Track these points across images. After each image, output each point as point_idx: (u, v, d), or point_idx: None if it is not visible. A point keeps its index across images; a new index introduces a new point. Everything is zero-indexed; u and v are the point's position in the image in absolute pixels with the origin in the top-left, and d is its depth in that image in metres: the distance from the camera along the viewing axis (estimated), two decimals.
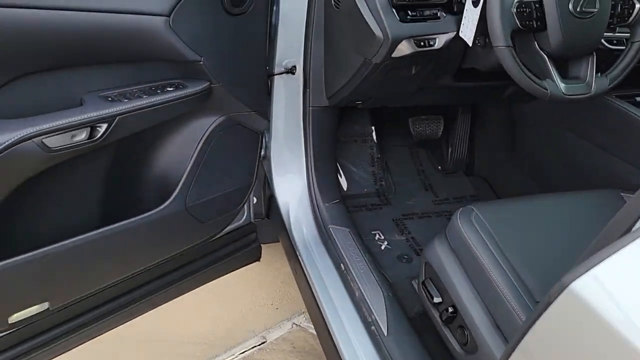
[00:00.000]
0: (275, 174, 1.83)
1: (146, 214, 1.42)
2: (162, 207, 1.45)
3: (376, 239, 1.85)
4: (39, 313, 1.33)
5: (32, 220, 1.30)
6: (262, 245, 2.04)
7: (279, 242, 2.09)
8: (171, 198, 1.47)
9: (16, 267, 1.24)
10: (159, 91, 1.34)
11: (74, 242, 1.31)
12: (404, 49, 1.42)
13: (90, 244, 1.34)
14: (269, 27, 1.55)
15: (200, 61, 1.34)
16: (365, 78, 1.54)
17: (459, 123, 2.19)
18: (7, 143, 1.09)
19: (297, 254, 1.76)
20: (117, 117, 1.24)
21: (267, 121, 1.61)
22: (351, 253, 1.65)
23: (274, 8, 1.60)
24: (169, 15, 1.25)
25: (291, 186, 1.87)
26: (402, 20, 1.39)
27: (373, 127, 2.14)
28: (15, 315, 1.29)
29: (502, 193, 2.09)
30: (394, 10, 1.39)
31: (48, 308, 1.35)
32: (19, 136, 1.10)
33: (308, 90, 1.75)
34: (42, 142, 1.14)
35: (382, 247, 1.81)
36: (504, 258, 1.15)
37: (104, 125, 1.23)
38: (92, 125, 1.21)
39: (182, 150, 1.50)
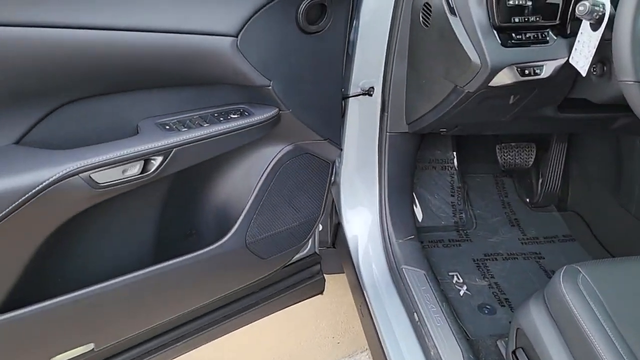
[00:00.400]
0: (345, 202, 1.67)
1: (201, 251, 1.29)
2: (219, 243, 1.32)
3: (454, 281, 1.65)
4: (82, 354, 1.23)
5: (78, 257, 1.20)
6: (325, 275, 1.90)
7: (344, 273, 1.94)
8: (230, 234, 1.33)
9: (62, 307, 1.13)
10: (221, 119, 1.20)
11: (124, 280, 1.20)
12: (505, 77, 1.21)
13: (141, 282, 1.22)
14: (347, 45, 1.37)
15: (269, 86, 1.19)
16: (454, 107, 1.34)
17: (552, 151, 1.94)
18: (50, 179, 0.98)
19: (364, 293, 1.59)
20: (174, 149, 1.11)
21: (339, 150, 1.44)
22: (426, 300, 1.46)
23: (353, 23, 1.43)
24: (236, 36, 1.10)
25: (361, 218, 1.70)
26: (504, 44, 1.18)
27: (455, 153, 1.92)
28: (58, 357, 1.19)
29: (602, 234, 1.83)
30: (495, 32, 1.18)
31: (93, 349, 1.24)
32: (64, 171, 0.99)
33: (386, 114, 1.57)
34: (89, 177, 1.02)
35: (461, 293, 1.61)
36: (616, 333, 0.94)
37: (159, 158, 1.10)
38: (146, 158, 1.08)
39: (244, 181, 1.35)
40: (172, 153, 1.12)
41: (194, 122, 1.19)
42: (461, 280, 1.66)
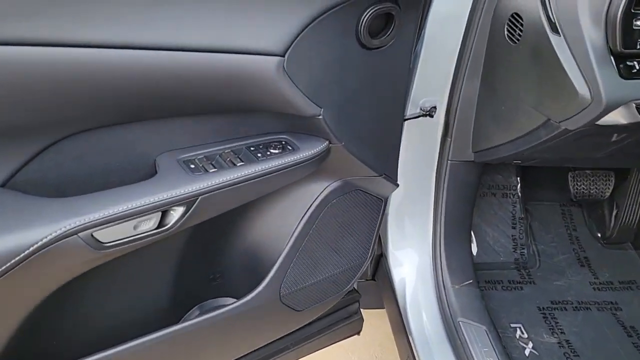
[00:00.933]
0: (391, 236, 1.44)
1: (228, 308, 1.08)
2: (249, 297, 1.10)
3: (517, 336, 1.41)
4: None
5: (83, 320, 0.98)
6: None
7: (383, 308, 1.71)
8: (262, 286, 1.11)
9: None
10: (259, 154, 0.97)
11: (139, 344, 0.98)
12: (619, 116, 0.96)
13: (159, 344, 1.01)
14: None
15: (319, 115, 0.94)
16: (541, 142, 1.09)
17: (632, 181, 1.67)
18: (40, 242, 0.76)
19: (412, 345, 1.37)
20: (200, 197, 0.88)
21: (395, 186, 1.20)
22: None
23: (420, 33, 1.18)
24: (283, 55, 0.86)
25: (410, 254, 1.47)
26: (624, 76, 0.92)
27: (519, 178, 1.67)
28: None
29: None
30: (613, 60, 0.92)
31: None
32: (59, 231, 0.77)
33: (449, 139, 1.32)
34: (91, 236, 0.80)
35: (527, 352, 1.37)
36: None
37: (180, 209, 0.87)
38: (164, 210, 0.86)
39: (280, 223, 1.12)
40: (197, 202, 0.89)
41: (225, 159, 0.95)
42: (525, 336, 1.42)
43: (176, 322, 1.16)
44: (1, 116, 0.76)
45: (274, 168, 0.95)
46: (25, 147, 0.83)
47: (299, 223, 1.12)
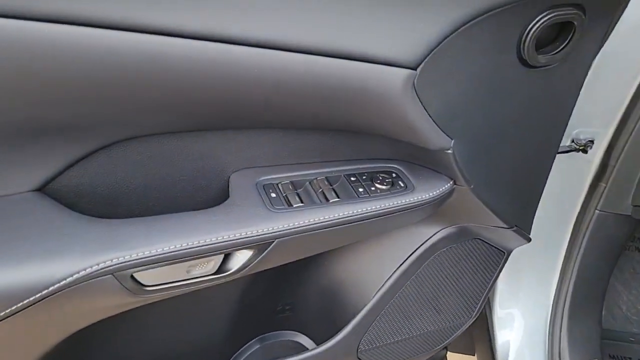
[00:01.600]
0: (500, 290, 1.16)
1: (299, 357, 0.87)
2: (321, 349, 0.89)
3: None
4: None
5: (125, 351, 0.82)
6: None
7: (473, 355, 1.46)
8: (339, 336, 0.90)
9: None
10: (361, 189, 0.74)
11: None
12: None
13: None
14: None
15: (449, 149, 0.69)
16: None
17: None
18: (66, 280, 0.57)
19: None
20: (276, 241, 0.66)
21: (527, 240, 0.93)
22: None
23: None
24: (414, 69, 0.61)
25: (521, 316, 1.19)
26: None
27: None
28: None
29: None
30: None
31: None
32: (90, 269, 0.58)
33: (603, 185, 1.03)
34: (131, 277, 0.60)
35: None
36: None
37: (249, 253, 0.66)
38: (228, 252, 0.65)
39: (373, 268, 0.90)
40: (271, 245, 0.67)
41: (317, 189, 0.73)
42: None
43: (232, 354, 0.98)
44: (52, 109, 0.57)
45: (377, 211, 0.72)
46: (74, 147, 0.64)
47: (395, 271, 0.88)
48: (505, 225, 0.87)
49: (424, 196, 0.75)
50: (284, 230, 0.67)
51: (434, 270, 0.92)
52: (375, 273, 0.90)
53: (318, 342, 1.02)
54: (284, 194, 0.71)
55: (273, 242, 0.67)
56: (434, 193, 0.76)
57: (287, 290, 0.98)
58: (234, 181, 0.72)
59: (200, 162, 0.72)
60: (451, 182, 0.77)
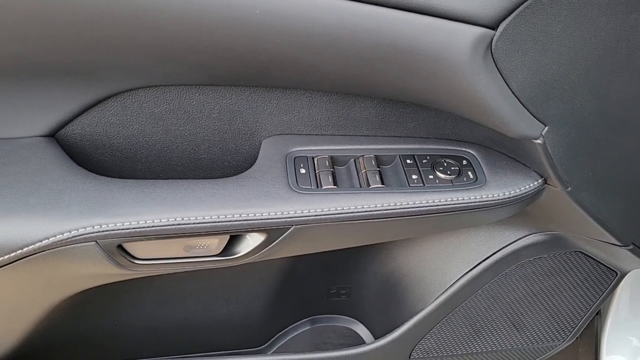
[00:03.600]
0: (613, 322, 0.95)
1: (342, 352, 0.76)
2: (370, 347, 0.77)
3: None
4: None
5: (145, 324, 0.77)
6: None
7: None
8: (390, 337, 0.77)
9: None
10: (414, 175, 0.59)
11: None
12: None
13: None
14: None
15: (538, 138, 0.52)
16: None
17: None
18: (42, 242, 0.51)
19: None
20: (293, 227, 0.55)
21: None
22: None
23: None
24: (494, 28, 0.45)
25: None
26: None
27: None
28: None
29: None
30: None
31: None
32: (69, 234, 0.51)
33: None
34: (117, 247, 0.53)
35: None
36: None
37: (260, 237, 0.55)
38: (235, 234, 0.55)
39: (439, 266, 0.75)
40: (289, 231, 0.56)
41: (360, 170, 0.59)
42: None
43: (276, 332, 0.90)
44: (54, 51, 0.51)
45: (429, 207, 0.57)
46: (82, 92, 0.57)
47: (464, 274, 0.73)
48: (617, 243, 0.66)
49: (497, 194, 0.58)
50: (303, 216, 0.55)
51: (515, 281, 0.74)
52: (440, 273, 0.75)
53: (376, 335, 0.91)
54: (317, 171, 0.58)
55: (290, 227, 0.55)
56: (513, 192, 0.58)
57: (343, 272, 0.86)
58: (264, 148, 0.61)
59: (227, 122, 0.61)
60: (540, 181, 0.59)
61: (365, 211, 0.55)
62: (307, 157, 0.60)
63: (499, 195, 0.58)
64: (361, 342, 0.92)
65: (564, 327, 0.81)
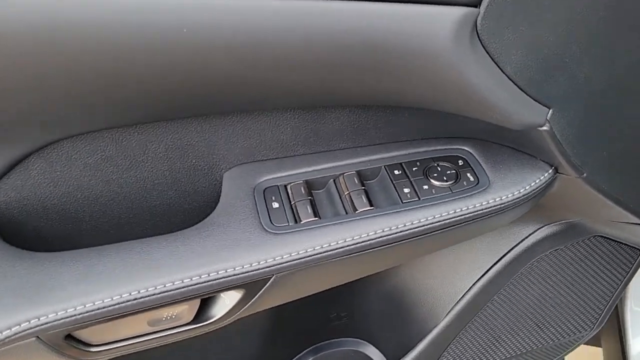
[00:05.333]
0: (636, 287, 0.88)
1: None
2: None
3: None
4: None
5: None
6: None
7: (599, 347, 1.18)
8: (410, 356, 0.68)
9: None
10: (406, 189, 0.50)
11: None
12: None
13: None
14: None
15: (544, 125, 0.43)
16: None
17: None
18: None
19: None
20: (275, 276, 0.45)
21: None
22: None
23: None
24: (475, 5, 0.35)
25: None
26: None
27: None
28: None
29: None
30: None
31: None
32: (8, 332, 0.41)
33: None
34: (66, 337, 0.43)
35: None
36: None
37: (237, 295, 0.46)
38: (206, 297, 0.45)
39: (449, 276, 0.66)
40: (270, 282, 0.46)
41: (343, 190, 0.50)
42: None
43: None
44: None
45: (430, 225, 0.48)
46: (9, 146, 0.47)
47: (478, 280, 0.64)
48: (638, 221, 0.58)
49: (504, 196, 0.49)
50: (284, 262, 0.45)
51: (533, 279, 0.66)
52: (450, 283, 0.66)
53: (387, 354, 0.82)
54: (292, 202, 0.49)
55: (270, 277, 0.46)
56: (522, 190, 0.50)
57: (341, 296, 0.77)
58: (227, 183, 0.52)
59: (178, 160, 0.51)
60: (551, 171, 0.51)
61: (356, 243, 0.46)
62: (278, 186, 0.51)
63: (507, 197, 0.49)
64: None
65: (589, 317, 0.74)
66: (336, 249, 0.46)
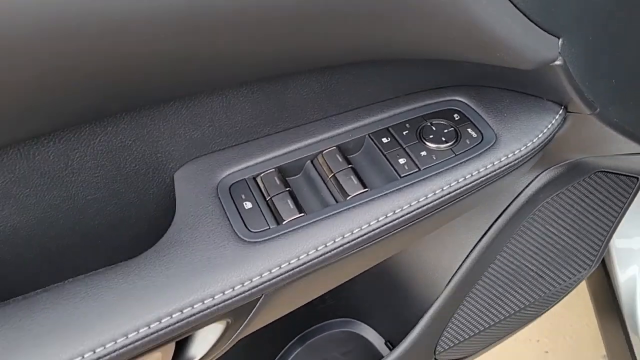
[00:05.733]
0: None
1: None
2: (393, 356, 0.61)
3: None
4: None
5: None
6: None
7: None
8: (407, 341, 0.62)
9: None
10: (402, 160, 0.40)
11: None
12: None
13: None
14: None
15: (557, 59, 0.35)
16: None
17: None
18: None
19: None
20: (264, 296, 0.36)
21: None
22: None
23: None
24: None
25: None
26: None
27: None
28: None
29: None
30: None
31: None
32: None
33: None
34: None
35: None
36: None
37: (219, 327, 0.36)
38: (180, 339, 0.36)
39: (447, 246, 0.58)
40: (258, 304, 0.37)
41: (326, 172, 0.41)
42: None
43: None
44: None
45: (443, 197, 0.39)
46: None
47: (474, 247, 0.57)
48: None
49: (516, 149, 0.41)
50: (274, 277, 0.36)
51: (535, 230, 0.60)
52: (448, 251, 0.59)
53: (377, 328, 0.75)
54: (268, 198, 0.39)
55: (259, 298, 0.37)
56: (535, 140, 0.42)
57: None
58: (181, 186, 0.41)
59: (113, 167, 0.40)
60: (561, 111, 0.43)
61: (355, 238, 0.38)
62: (245, 180, 0.41)
63: (519, 151, 0.41)
64: (365, 341, 0.77)
65: (589, 254, 0.69)
66: (333, 249, 0.37)
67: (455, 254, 0.58)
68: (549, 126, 0.42)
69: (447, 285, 0.60)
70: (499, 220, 0.56)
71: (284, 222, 0.38)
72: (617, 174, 0.60)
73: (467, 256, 0.58)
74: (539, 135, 0.42)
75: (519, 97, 0.44)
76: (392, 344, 0.73)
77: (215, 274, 0.35)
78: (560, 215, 0.61)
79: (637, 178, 0.63)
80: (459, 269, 0.59)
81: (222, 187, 0.40)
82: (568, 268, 0.69)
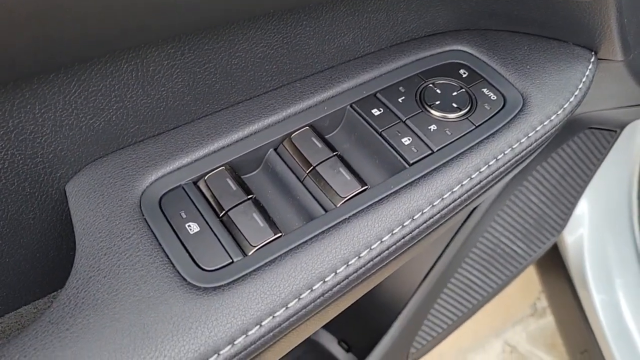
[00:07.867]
0: None
1: None
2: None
3: None
4: None
5: None
6: None
7: None
8: (379, 348, 0.51)
9: None
10: (405, 139, 0.28)
11: None
12: None
13: None
14: None
15: None
16: None
17: None
18: None
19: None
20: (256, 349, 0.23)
21: None
22: None
23: None
24: None
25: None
26: None
27: None
28: None
29: None
30: None
31: None
32: None
33: None
34: None
35: None
36: None
37: None
38: None
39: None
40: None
41: (299, 161, 0.28)
42: None
43: None
44: None
45: (473, 188, 0.28)
46: None
47: (459, 230, 0.47)
48: None
49: (555, 114, 0.31)
50: (254, 341, 0.23)
51: (518, 203, 0.52)
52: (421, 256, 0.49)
53: (333, 331, 0.65)
54: (222, 214, 0.26)
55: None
56: (572, 99, 0.31)
57: None
58: (77, 205, 0.26)
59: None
60: (593, 58, 0.33)
61: (361, 266, 0.25)
62: (183, 186, 0.27)
63: (557, 115, 0.31)
64: (315, 343, 0.66)
65: (559, 219, 0.62)
66: (330, 288, 0.25)
67: (434, 245, 0.48)
68: (584, 79, 0.32)
69: (423, 280, 0.50)
70: (486, 201, 0.47)
71: (252, 251, 0.25)
72: (600, 128, 0.52)
73: (448, 244, 0.48)
74: (576, 93, 0.31)
75: (539, 42, 0.33)
76: (347, 343, 0.63)
77: (154, 351, 0.22)
78: (544, 181, 0.52)
79: (616, 131, 0.56)
80: (439, 258, 0.49)
81: (147, 201, 0.26)
82: (540, 237, 0.62)
